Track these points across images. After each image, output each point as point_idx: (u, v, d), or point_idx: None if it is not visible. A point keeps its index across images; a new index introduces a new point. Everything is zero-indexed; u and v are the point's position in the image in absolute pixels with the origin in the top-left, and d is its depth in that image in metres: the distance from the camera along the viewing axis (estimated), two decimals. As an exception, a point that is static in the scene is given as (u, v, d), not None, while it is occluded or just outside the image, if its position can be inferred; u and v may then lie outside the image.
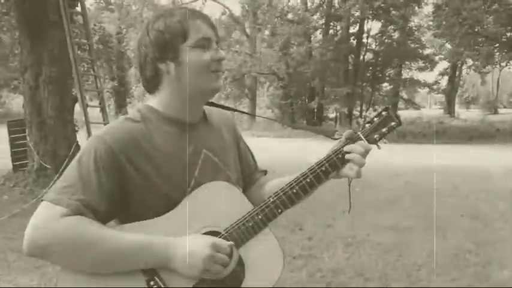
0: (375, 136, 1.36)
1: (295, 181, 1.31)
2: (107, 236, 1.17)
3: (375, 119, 1.37)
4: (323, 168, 1.32)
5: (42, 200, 1.20)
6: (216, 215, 1.26)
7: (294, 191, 1.30)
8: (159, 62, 1.28)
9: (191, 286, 1.21)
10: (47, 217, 1.16)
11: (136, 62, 1.33)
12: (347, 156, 1.32)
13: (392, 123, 1.37)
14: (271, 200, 1.29)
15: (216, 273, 1.21)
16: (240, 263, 1.25)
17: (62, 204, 1.16)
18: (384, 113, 1.38)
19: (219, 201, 1.27)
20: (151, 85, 1.33)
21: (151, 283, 1.19)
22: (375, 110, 30.97)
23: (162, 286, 1.19)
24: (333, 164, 1.32)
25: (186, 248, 1.18)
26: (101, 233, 1.17)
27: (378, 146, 1.36)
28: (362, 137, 1.34)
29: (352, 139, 1.34)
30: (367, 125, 1.37)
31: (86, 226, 1.16)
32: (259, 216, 1.27)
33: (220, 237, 1.25)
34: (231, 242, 1.24)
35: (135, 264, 1.18)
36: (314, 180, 1.31)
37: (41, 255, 1.17)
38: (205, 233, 1.25)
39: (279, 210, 1.29)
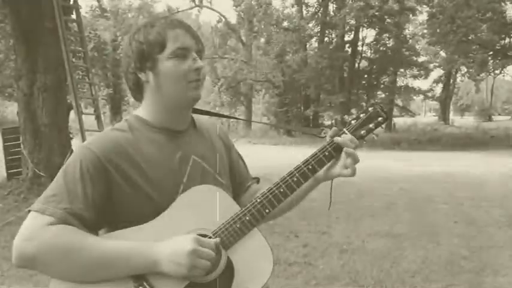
0: (362, 132, 1.38)
1: (282, 180, 1.32)
2: (93, 243, 1.17)
3: (362, 115, 1.39)
4: (310, 167, 1.33)
5: (29, 211, 1.20)
6: (204, 218, 1.26)
7: (281, 190, 1.31)
8: (139, 71, 1.30)
9: None
10: (33, 227, 1.16)
11: (122, 71, 1.36)
12: (345, 149, 1.33)
13: (380, 119, 1.39)
14: (258, 200, 1.29)
15: (203, 269, 1.19)
16: (229, 265, 1.25)
17: (47, 213, 1.17)
18: (370, 109, 1.39)
19: (206, 204, 1.27)
20: (135, 93, 1.36)
21: None
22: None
23: None
24: (319, 162, 1.34)
25: (170, 248, 1.18)
26: (87, 241, 1.17)
27: (364, 141, 1.38)
28: (348, 134, 1.36)
29: (338, 136, 1.37)
30: (353, 122, 1.38)
31: (72, 234, 1.16)
32: (247, 217, 1.27)
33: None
34: (217, 239, 1.23)
35: (122, 271, 1.18)
36: (301, 178, 1.32)
37: (29, 265, 1.17)
38: None
39: (267, 211, 1.29)
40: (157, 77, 1.29)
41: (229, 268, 1.25)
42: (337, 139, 1.34)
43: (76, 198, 1.19)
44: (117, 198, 1.24)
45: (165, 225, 1.24)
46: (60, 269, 1.17)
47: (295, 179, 1.32)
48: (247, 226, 1.27)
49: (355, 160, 1.33)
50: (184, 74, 1.28)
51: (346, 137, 1.35)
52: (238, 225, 1.26)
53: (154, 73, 1.29)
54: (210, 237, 1.25)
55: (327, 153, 1.35)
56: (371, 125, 1.38)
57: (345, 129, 1.37)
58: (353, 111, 1.41)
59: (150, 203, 1.25)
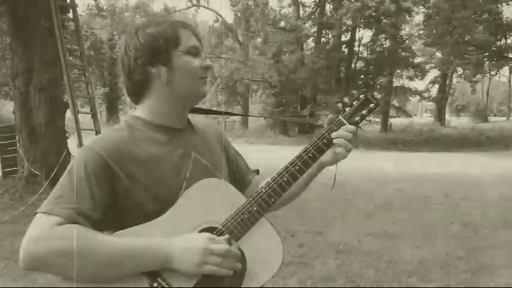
0: (356, 119, 1.43)
1: (285, 169, 1.35)
2: (103, 241, 1.16)
3: (354, 102, 1.44)
4: (310, 154, 1.37)
5: (36, 214, 1.19)
6: (212, 211, 1.27)
7: (285, 179, 1.33)
8: (150, 65, 1.30)
9: (194, 283, 1.21)
10: (41, 228, 1.15)
11: (122, 66, 1.33)
12: (335, 141, 1.38)
13: (371, 105, 1.44)
14: (264, 190, 1.31)
15: (214, 266, 1.19)
16: (241, 255, 1.26)
17: (54, 213, 1.16)
18: (361, 96, 1.45)
19: (213, 197, 1.28)
20: (139, 90, 1.34)
21: (155, 284, 1.19)
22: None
23: (166, 286, 1.19)
24: (319, 149, 1.39)
25: (181, 246, 1.19)
26: (98, 239, 1.16)
27: (359, 127, 1.45)
28: (344, 121, 1.41)
29: (334, 123, 1.41)
30: (347, 109, 1.43)
31: (81, 233, 1.15)
32: (254, 208, 1.29)
33: (217, 231, 1.26)
34: (227, 236, 1.24)
35: (133, 268, 1.18)
36: (302, 166, 1.36)
37: (39, 267, 1.15)
38: (203, 230, 1.26)
39: (273, 200, 1.31)
40: (171, 71, 1.30)
41: (242, 258, 1.26)
42: (333, 134, 1.39)
43: (83, 199, 1.19)
44: (123, 197, 1.24)
45: (175, 220, 1.24)
46: (72, 270, 1.14)
47: (297, 168, 1.35)
48: (255, 216, 1.29)
49: (347, 149, 1.39)
50: (197, 70, 1.33)
51: (341, 131, 1.40)
52: (246, 216, 1.28)
53: (168, 67, 1.30)
54: (219, 230, 1.26)
55: (325, 141, 1.39)
56: (364, 112, 1.44)
57: (340, 117, 1.42)
58: (345, 99, 1.44)
59: (155, 200, 1.26)
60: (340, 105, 1.44)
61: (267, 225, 1.30)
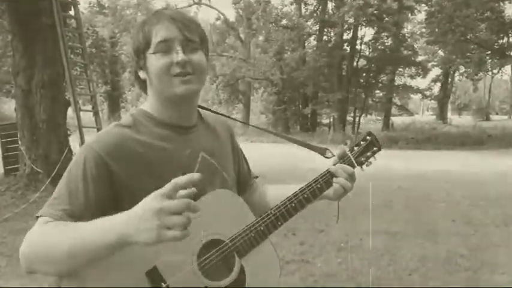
0: (362, 159, 1.47)
1: (294, 196, 1.37)
2: (69, 226, 1.11)
3: (362, 142, 1.49)
4: (318, 185, 1.40)
5: (37, 217, 1.19)
6: (219, 224, 1.28)
7: (293, 205, 1.37)
8: (139, 69, 1.32)
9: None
10: (31, 230, 1.16)
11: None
12: (334, 180, 1.41)
13: (375, 148, 1.49)
14: (273, 212, 1.34)
15: (178, 226, 0.99)
16: (242, 272, 1.28)
17: (46, 215, 1.16)
18: (368, 137, 1.49)
19: (222, 210, 1.29)
20: (142, 88, 1.36)
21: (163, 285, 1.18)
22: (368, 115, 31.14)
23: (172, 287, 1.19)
24: (328, 182, 1.42)
25: (135, 214, 1.01)
26: (63, 227, 1.12)
27: (362, 168, 1.48)
28: (352, 159, 1.45)
29: (343, 160, 1.45)
30: (355, 148, 1.47)
31: (50, 225, 1.13)
32: (261, 228, 1.31)
33: (225, 246, 1.27)
34: (193, 189, 1.06)
35: (97, 243, 1.04)
36: (310, 195, 1.39)
37: (27, 265, 1.14)
38: (209, 241, 1.25)
39: (279, 223, 1.34)
40: (148, 74, 1.28)
41: (242, 275, 1.28)
42: (331, 168, 1.42)
43: (76, 199, 1.17)
44: (123, 197, 1.21)
45: None
46: (49, 262, 1.11)
47: (305, 196, 1.38)
48: (261, 236, 1.31)
49: (346, 188, 1.42)
50: (167, 68, 1.24)
51: (338, 166, 1.42)
52: (253, 235, 1.30)
53: (146, 70, 1.28)
54: (227, 243, 1.27)
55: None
56: (368, 153, 1.48)
57: (349, 155, 1.45)
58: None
59: None
60: (348, 142, 1.51)
61: (268, 245, 1.34)
